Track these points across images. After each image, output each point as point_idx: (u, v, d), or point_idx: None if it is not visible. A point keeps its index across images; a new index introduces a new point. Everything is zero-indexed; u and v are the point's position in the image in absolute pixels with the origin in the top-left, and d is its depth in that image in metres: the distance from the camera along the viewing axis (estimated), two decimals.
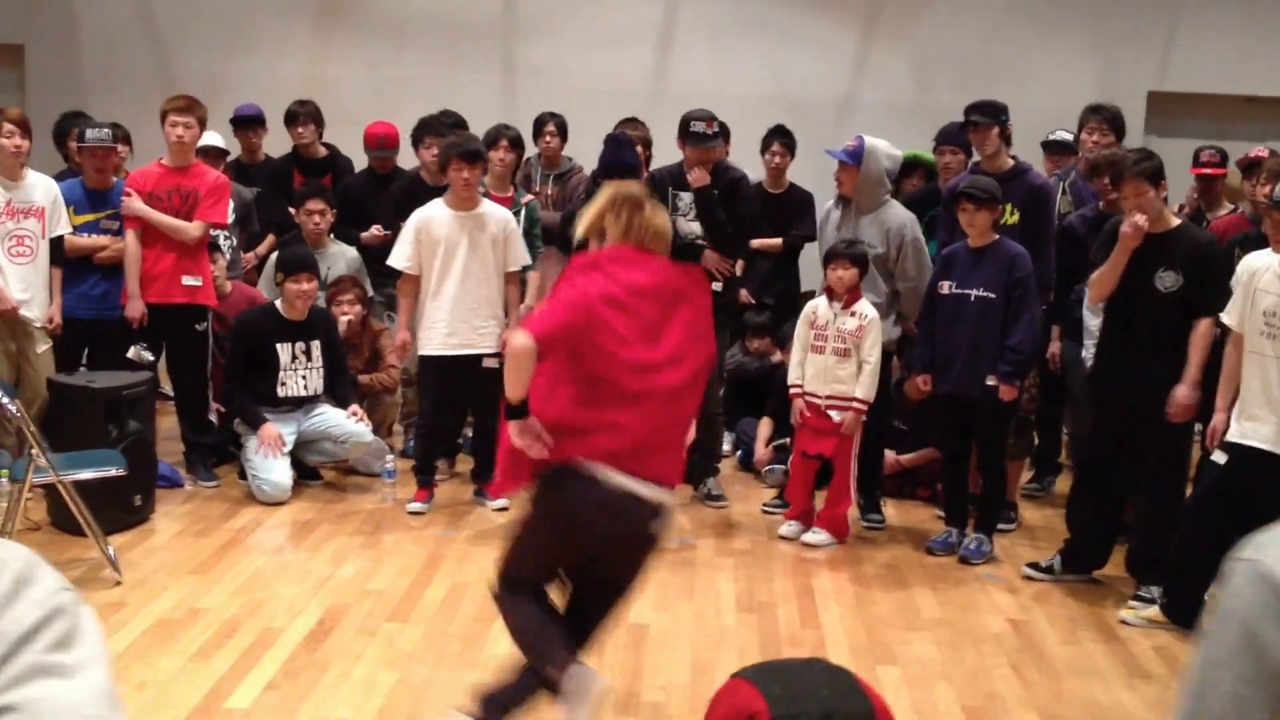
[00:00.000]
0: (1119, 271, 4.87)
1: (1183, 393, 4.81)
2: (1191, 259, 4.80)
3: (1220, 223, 6.25)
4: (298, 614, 4.54)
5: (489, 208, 5.86)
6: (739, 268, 6.23)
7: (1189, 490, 5.04)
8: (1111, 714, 4.01)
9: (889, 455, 6.43)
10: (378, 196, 6.89)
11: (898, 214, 5.86)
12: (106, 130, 6.15)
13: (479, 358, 5.83)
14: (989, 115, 5.77)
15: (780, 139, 7.26)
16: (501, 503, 5.95)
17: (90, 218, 6.11)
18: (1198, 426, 4.94)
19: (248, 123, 7.65)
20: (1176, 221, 4.94)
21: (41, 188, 5.88)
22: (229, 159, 7.53)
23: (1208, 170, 6.65)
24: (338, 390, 6.26)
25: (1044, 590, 5.17)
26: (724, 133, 7.14)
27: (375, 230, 6.82)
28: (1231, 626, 1.28)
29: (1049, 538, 5.77)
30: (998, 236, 5.40)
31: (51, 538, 5.27)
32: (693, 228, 5.99)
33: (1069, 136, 6.72)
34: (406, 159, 7.29)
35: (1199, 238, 4.93)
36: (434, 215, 5.80)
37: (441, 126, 6.85)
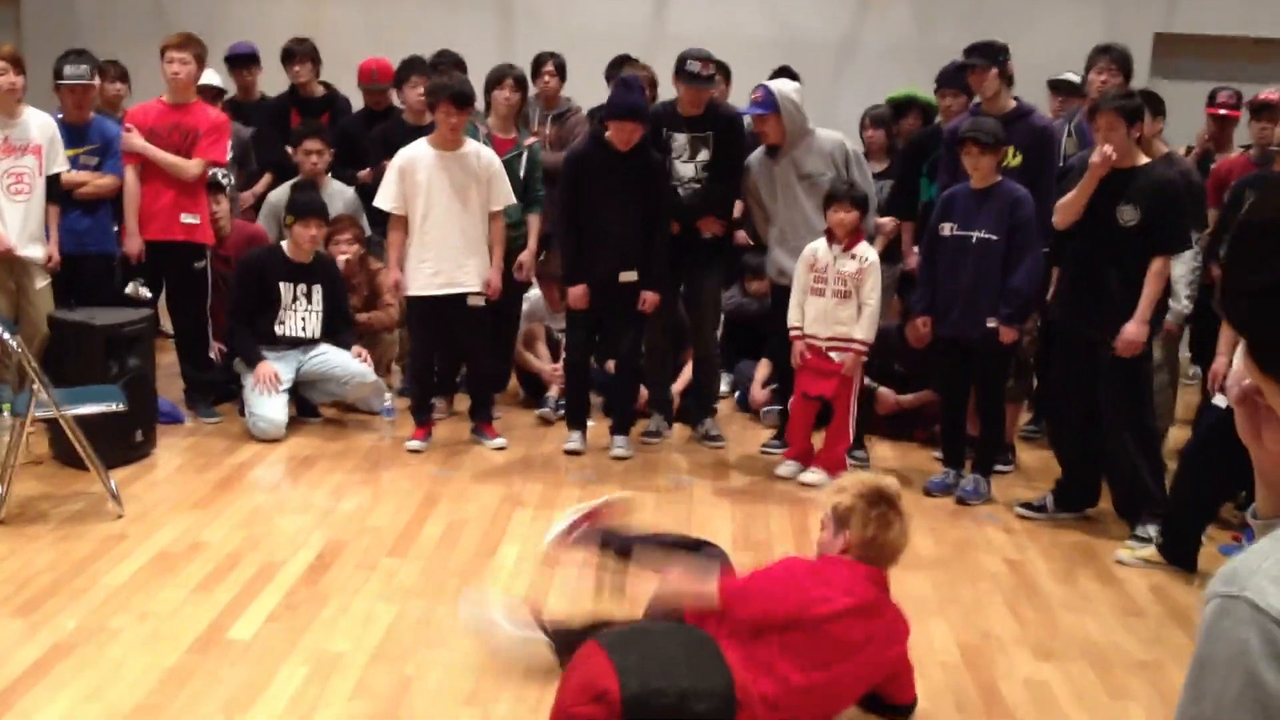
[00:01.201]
0: (1084, 199, 4.93)
1: (1131, 329, 4.85)
2: (1151, 196, 4.82)
3: (1225, 164, 6.21)
4: (298, 548, 4.57)
5: (472, 147, 5.82)
6: (737, 208, 6.20)
7: (1160, 428, 5.07)
8: (1106, 651, 4.04)
9: (888, 395, 6.45)
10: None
11: (828, 135, 5.90)
12: (84, 67, 6.11)
13: (464, 296, 5.82)
14: (986, 56, 5.70)
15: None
16: (499, 441, 5.98)
17: (69, 153, 6.07)
18: (1196, 370, 4.94)
19: (242, 61, 7.60)
20: (1144, 160, 4.95)
21: (37, 124, 5.85)
22: (226, 98, 7.48)
23: (1223, 111, 6.58)
24: (338, 336, 6.26)
25: (1040, 530, 5.20)
26: (725, 73, 7.09)
27: (369, 171, 6.79)
28: (1225, 677, 1.08)
29: (1045, 479, 5.78)
30: (1000, 178, 5.38)
31: (54, 471, 5.31)
32: (686, 170, 5.96)
33: (1076, 78, 6.66)
34: None
35: (1161, 176, 4.93)
36: (417, 156, 5.76)
37: (425, 66, 6.79)
